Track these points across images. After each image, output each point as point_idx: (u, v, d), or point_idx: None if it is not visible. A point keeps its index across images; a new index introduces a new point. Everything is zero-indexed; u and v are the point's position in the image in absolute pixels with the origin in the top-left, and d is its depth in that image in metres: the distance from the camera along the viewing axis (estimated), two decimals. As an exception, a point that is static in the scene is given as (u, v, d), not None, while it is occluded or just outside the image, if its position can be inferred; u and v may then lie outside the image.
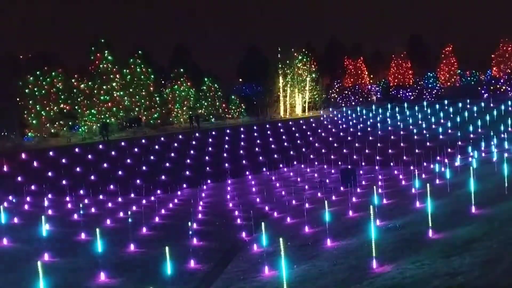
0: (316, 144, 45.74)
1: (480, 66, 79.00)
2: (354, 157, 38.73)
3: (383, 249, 10.59)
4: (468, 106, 48.44)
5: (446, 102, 51.71)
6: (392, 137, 42.93)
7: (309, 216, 17.61)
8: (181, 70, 57.94)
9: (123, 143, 41.56)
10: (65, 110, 49.93)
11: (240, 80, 75.75)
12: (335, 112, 55.32)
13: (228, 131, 48.33)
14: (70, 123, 51.11)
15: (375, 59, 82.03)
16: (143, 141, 43.01)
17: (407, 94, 68.66)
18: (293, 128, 51.22)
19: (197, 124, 52.48)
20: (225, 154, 41.58)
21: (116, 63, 51.46)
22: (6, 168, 33.43)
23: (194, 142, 43.97)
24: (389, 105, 56.67)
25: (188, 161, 39.19)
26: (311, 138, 47.80)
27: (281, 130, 50.46)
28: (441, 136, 39.89)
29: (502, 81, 65.02)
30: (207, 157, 40.21)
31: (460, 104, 49.55)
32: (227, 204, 26.40)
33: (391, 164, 34.56)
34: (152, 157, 38.86)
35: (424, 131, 42.17)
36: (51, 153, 37.32)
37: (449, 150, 34.14)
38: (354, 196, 21.59)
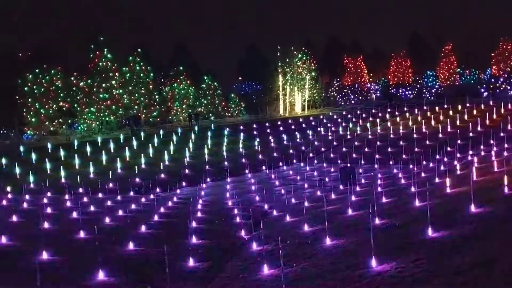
0: (316, 143, 45.70)
1: (479, 64, 78.91)
2: (354, 155, 38.70)
3: (382, 248, 10.56)
4: (468, 104, 48.41)
5: (445, 100, 51.69)
6: (391, 135, 42.92)
7: (308, 215, 17.59)
8: (181, 68, 57.92)
9: (122, 141, 41.55)
10: (64, 108, 49.95)
11: (240, 78, 75.75)
12: (334, 116, 55.34)
13: (227, 129, 48.29)
14: (69, 121, 51.14)
15: (375, 58, 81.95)
16: (143, 138, 43.01)
17: (407, 92, 68.65)
18: (293, 127, 51.19)
19: (196, 122, 52.47)
20: (224, 153, 41.54)
21: (116, 61, 51.44)
22: (5, 166, 33.42)
23: (193, 140, 43.94)
24: (388, 103, 56.66)
25: (188, 159, 39.17)
26: (310, 137, 47.76)
27: (281, 128, 50.44)
28: (440, 135, 39.86)
29: (501, 79, 64.96)
30: (206, 156, 40.16)
31: (459, 103, 49.52)
32: (226, 203, 26.38)
33: (391, 162, 34.54)
34: (151, 155, 38.83)
35: (424, 130, 42.15)
36: (50, 150, 37.31)
37: (448, 148, 34.12)
38: (354, 194, 21.57)
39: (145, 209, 22.55)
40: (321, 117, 55.66)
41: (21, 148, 38.09)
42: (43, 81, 47.99)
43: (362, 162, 36.26)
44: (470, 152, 30.16)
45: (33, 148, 38.80)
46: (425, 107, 51.50)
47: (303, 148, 44.62)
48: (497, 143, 31.91)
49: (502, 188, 13.54)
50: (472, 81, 75.18)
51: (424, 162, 30.16)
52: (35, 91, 47.66)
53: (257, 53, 75.51)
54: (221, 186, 32.88)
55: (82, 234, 16.36)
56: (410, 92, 68.63)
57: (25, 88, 47.53)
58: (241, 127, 49.35)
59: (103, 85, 50.11)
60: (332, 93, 71.59)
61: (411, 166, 29.65)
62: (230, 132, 47.72)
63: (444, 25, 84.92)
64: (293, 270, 11.17)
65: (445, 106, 49.66)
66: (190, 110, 56.43)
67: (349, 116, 54.58)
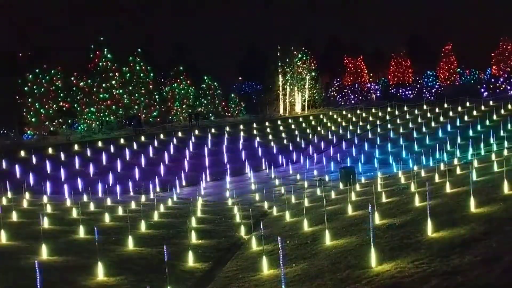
0: (316, 142, 45.71)
1: (479, 64, 78.95)
2: (354, 155, 38.71)
3: (382, 248, 10.55)
4: (468, 104, 48.41)
5: (445, 100, 51.70)
6: (391, 135, 42.92)
7: (308, 214, 17.58)
8: (181, 68, 57.92)
9: (122, 141, 41.55)
10: (64, 108, 49.95)
11: (240, 78, 75.77)
12: (334, 116, 55.40)
13: (227, 129, 48.30)
14: (69, 121, 51.14)
15: (375, 58, 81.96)
16: (143, 138, 43.00)
17: (407, 92, 68.63)
18: (293, 126, 51.20)
19: (196, 122, 52.47)
20: (224, 152, 41.55)
21: (116, 61, 51.44)
22: (5, 166, 33.41)
23: (193, 140, 43.94)
24: (388, 103, 56.68)
25: (188, 159, 39.18)
26: (310, 136, 47.77)
27: (281, 128, 50.45)
28: (440, 135, 39.84)
29: (501, 79, 64.97)
30: (206, 155, 40.18)
31: (459, 103, 49.52)
32: (226, 202, 26.39)
33: (391, 162, 34.55)
34: (151, 155, 38.83)
35: (424, 129, 42.15)
36: (50, 150, 37.31)
37: (448, 148, 34.13)
38: (354, 194, 21.57)
39: (145, 209, 22.55)
40: (321, 117, 55.66)
41: (21, 148, 38.07)
42: (43, 81, 47.98)
43: (362, 161, 36.27)
44: (470, 152, 30.17)
45: (33, 148, 38.79)
46: (425, 107, 51.49)
47: (303, 147, 44.63)
48: (497, 143, 31.90)
49: (502, 188, 13.53)
50: (472, 81, 75.17)
51: (424, 162, 30.16)
52: (35, 91, 47.65)
53: (257, 53, 75.49)
54: (221, 185, 32.89)
55: (82, 234, 16.37)
56: (410, 92, 68.61)
57: (25, 88, 47.53)
58: (241, 127, 49.34)
59: (103, 85, 50.11)
60: (332, 93, 71.57)
61: (411, 165, 29.67)
62: (230, 132, 47.72)
63: (444, 25, 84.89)
64: (293, 270, 11.16)
65: (445, 106, 49.65)
66: (190, 110, 56.44)
67: (349, 116, 54.58)
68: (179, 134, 45.47)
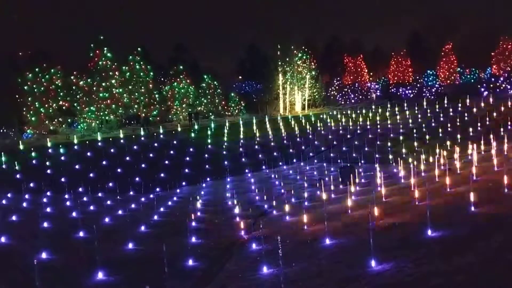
0: (316, 142, 45.65)
1: (480, 64, 78.86)
2: (354, 154, 38.66)
3: (382, 248, 10.54)
4: (468, 103, 48.39)
5: (445, 99, 51.65)
6: (391, 135, 42.87)
7: (308, 214, 17.56)
8: (181, 67, 57.90)
9: (122, 140, 41.54)
10: (64, 107, 49.98)
11: (240, 77, 75.71)
12: (335, 113, 55.40)
13: (227, 128, 48.26)
14: (69, 120, 51.17)
15: (375, 57, 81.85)
16: (142, 138, 42.98)
17: (407, 92, 68.61)
18: (293, 125, 51.17)
19: (196, 121, 52.47)
20: (224, 152, 41.52)
21: (115, 60, 51.45)
22: (5, 165, 33.39)
23: (193, 140, 43.90)
24: (388, 103, 56.67)
25: (187, 158, 39.15)
26: (310, 136, 47.71)
27: (281, 127, 50.41)
28: (440, 134, 39.82)
29: (502, 79, 64.99)
30: (206, 155, 40.15)
31: (459, 102, 49.52)
32: (226, 202, 26.36)
33: (390, 162, 34.50)
34: (151, 155, 38.81)
35: (424, 129, 42.12)
36: (50, 150, 37.29)
37: (448, 148, 34.09)
38: (354, 194, 21.54)
39: (145, 208, 22.54)
40: (321, 116, 55.63)
41: (21, 147, 38.07)
42: (43, 80, 47.99)
43: (362, 161, 36.22)
44: (470, 151, 30.13)
45: (33, 147, 38.78)
46: (425, 106, 51.45)
47: (303, 147, 44.58)
48: (497, 142, 31.87)
49: (502, 188, 13.52)
50: (472, 81, 75.14)
51: (424, 161, 30.11)
52: (35, 90, 47.67)
53: (257, 52, 75.43)
54: (221, 185, 32.85)
55: (81, 233, 16.35)
56: (410, 91, 68.61)
57: (25, 87, 47.54)
58: (241, 126, 49.30)
59: (103, 84, 50.12)
60: (332, 92, 71.55)
61: (411, 165, 29.62)
62: (230, 131, 47.70)
63: (444, 24, 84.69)
64: (293, 270, 11.14)
65: (445, 105, 49.62)
66: (190, 109, 56.43)
67: (349, 115, 54.54)
68: (179, 133, 45.45)
